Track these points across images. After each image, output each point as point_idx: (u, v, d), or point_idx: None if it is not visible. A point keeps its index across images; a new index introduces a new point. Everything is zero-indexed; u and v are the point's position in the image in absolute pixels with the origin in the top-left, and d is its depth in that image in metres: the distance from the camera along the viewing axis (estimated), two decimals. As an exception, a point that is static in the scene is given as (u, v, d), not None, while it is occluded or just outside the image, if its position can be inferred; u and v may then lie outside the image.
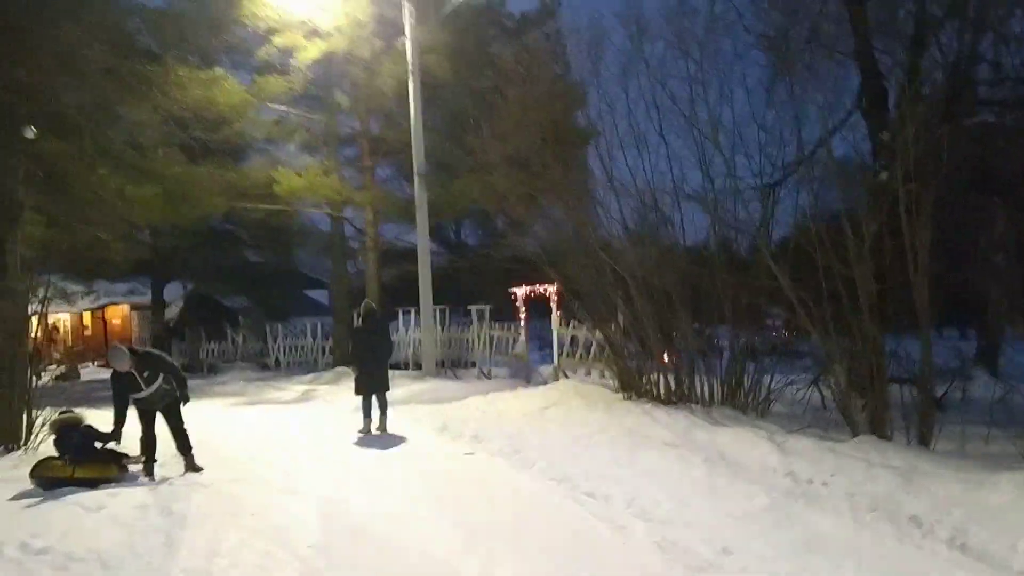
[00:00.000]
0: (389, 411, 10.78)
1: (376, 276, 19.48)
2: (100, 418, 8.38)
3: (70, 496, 6.84)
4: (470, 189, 16.44)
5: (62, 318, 36.53)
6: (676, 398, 10.42)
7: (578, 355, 13.51)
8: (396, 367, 20.46)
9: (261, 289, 30.26)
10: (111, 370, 8.07)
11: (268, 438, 10.79)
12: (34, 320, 10.34)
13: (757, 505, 5.89)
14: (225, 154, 18.96)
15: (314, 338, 24.15)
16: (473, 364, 17.59)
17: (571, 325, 13.69)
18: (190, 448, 8.46)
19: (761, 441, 7.61)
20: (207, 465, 8.46)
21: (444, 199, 17.59)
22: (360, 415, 10.71)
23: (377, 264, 19.51)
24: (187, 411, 8.50)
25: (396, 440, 9.86)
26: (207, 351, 28.08)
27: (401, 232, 22.04)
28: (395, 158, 19.74)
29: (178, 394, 8.30)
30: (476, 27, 18.55)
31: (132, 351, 8.15)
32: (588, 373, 13.17)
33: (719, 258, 10.11)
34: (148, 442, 8.23)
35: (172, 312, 31.04)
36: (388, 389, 10.78)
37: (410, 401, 13.35)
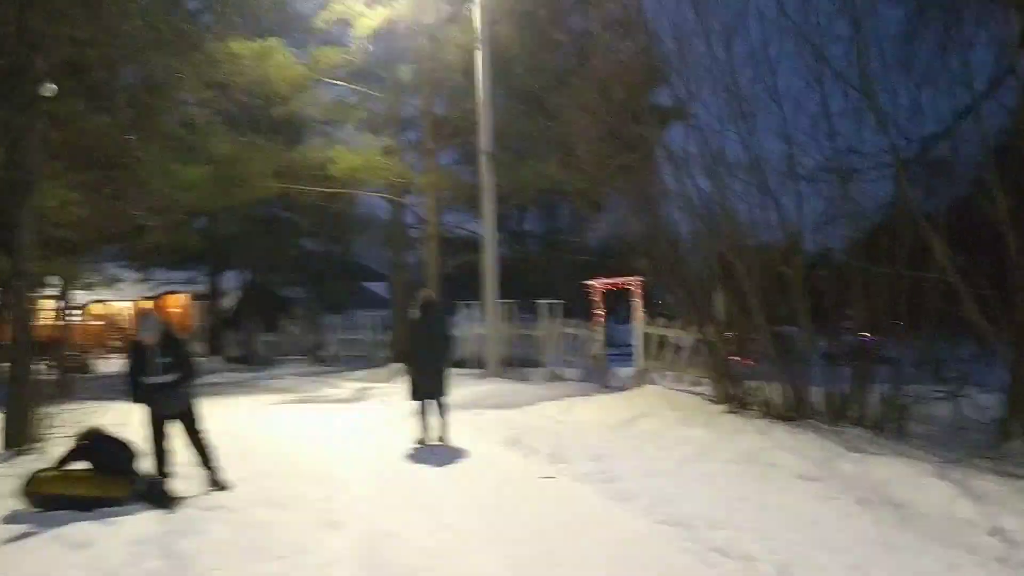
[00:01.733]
0: (449, 416, 9.30)
1: (436, 266, 18.03)
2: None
3: (57, 527, 5.48)
4: (544, 170, 14.89)
5: (121, 306, 36.24)
6: (795, 412, 8.68)
7: (667, 357, 11.80)
8: (459, 365, 19.05)
9: (319, 280, 29.24)
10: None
11: (313, 445, 9.42)
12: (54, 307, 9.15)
13: (973, 583, 4.18)
14: (280, 133, 17.74)
15: (372, 332, 22.98)
16: (542, 364, 16.01)
17: (658, 322, 11.98)
18: (214, 461, 7.10)
19: (931, 478, 5.85)
20: (238, 479, 7.11)
21: (512, 183, 16.05)
22: (416, 420, 9.24)
23: (438, 254, 18.05)
24: (231, 409, 7.17)
25: (458, 455, 8.35)
26: (263, 343, 27.13)
27: (463, 221, 20.59)
28: (460, 140, 18.22)
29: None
30: (550, -6, 16.90)
31: (165, 327, 6.99)
32: (679, 379, 11.46)
33: (853, 241, 8.32)
34: (160, 454, 6.88)
35: (229, 302, 30.22)
36: (445, 394, 9.27)
37: (473, 405, 11.84)
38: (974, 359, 9.05)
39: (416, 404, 9.23)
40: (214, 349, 28.50)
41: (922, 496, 5.51)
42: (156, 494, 6.36)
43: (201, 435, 7.05)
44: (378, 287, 33.10)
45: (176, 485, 6.67)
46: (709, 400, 10.27)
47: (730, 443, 7.76)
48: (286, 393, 16.43)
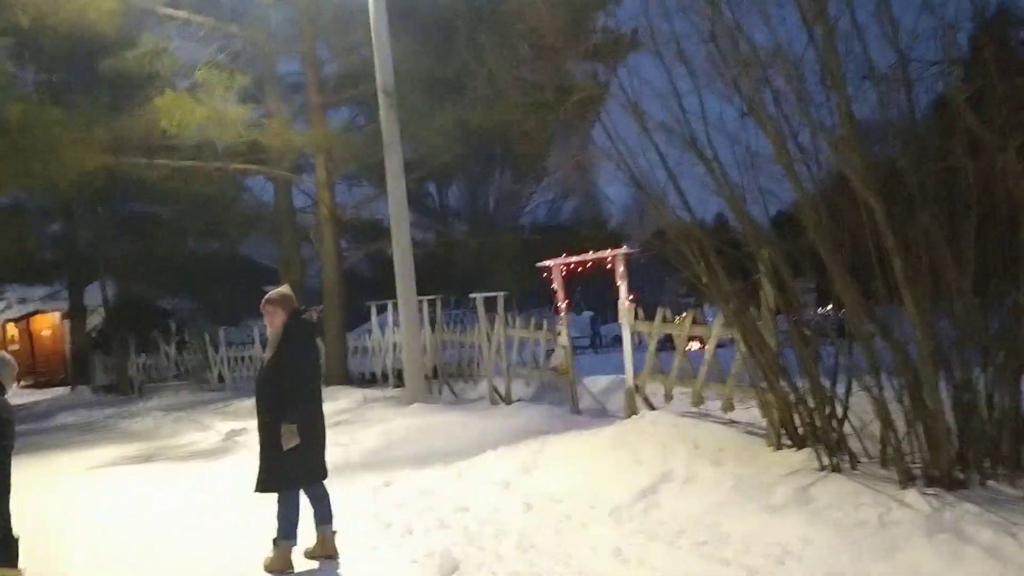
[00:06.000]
0: (329, 511, 5.11)
1: (334, 258, 13.76)
2: None
3: None
4: (466, 115, 10.80)
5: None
6: (959, 467, 4.80)
7: (673, 368, 7.79)
8: (372, 383, 14.88)
9: (206, 287, 24.42)
10: None
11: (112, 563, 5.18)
12: None
13: None
14: (102, 92, 13.18)
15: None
16: (481, 378, 11.92)
17: (658, 317, 7.93)
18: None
19: None
20: None
21: (427, 136, 11.90)
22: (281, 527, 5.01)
23: (335, 240, 13.80)
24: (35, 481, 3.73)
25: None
26: (138, 366, 22.33)
27: (368, 199, 16.36)
28: (357, 92, 13.93)
29: None
30: None
31: None
32: (696, 400, 7.49)
33: None
34: None
35: (97, 320, 25.12)
36: (326, 475, 5.12)
37: (380, 462, 7.72)
38: None
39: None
40: (79, 378, 23.50)
41: None
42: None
43: None
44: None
45: None
46: (756, 435, 6.39)
47: (886, 560, 3.81)
48: (135, 442, 12.08)
